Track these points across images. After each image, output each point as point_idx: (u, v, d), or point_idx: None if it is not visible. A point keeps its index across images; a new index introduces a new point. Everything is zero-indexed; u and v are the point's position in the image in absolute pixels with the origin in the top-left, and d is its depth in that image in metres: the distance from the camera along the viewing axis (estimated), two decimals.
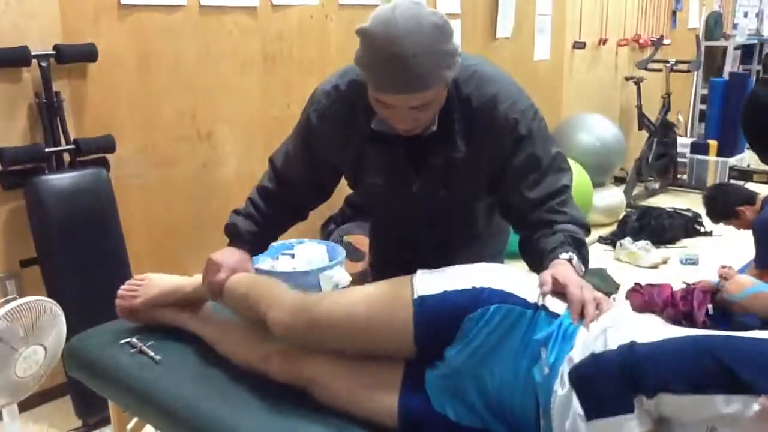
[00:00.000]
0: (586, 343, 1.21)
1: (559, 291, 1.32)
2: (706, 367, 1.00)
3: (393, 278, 1.42)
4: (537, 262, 1.48)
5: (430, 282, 1.35)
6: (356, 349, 1.40)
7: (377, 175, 1.59)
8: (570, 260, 1.41)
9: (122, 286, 1.88)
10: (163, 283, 1.86)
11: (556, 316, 1.28)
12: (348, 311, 1.38)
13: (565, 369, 1.20)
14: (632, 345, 1.11)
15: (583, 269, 1.44)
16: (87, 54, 2.65)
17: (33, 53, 2.50)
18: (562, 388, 1.19)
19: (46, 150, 2.58)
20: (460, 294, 1.31)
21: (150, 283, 1.86)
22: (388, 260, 1.90)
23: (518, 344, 1.27)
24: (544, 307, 1.29)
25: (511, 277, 1.36)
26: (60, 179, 2.56)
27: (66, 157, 2.66)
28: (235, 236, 1.76)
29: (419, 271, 1.40)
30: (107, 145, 2.73)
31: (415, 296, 1.31)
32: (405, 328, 1.32)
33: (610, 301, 1.34)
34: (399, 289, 1.36)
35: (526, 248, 1.55)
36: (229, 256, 1.70)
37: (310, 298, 1.49)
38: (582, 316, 1.26)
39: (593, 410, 1.09)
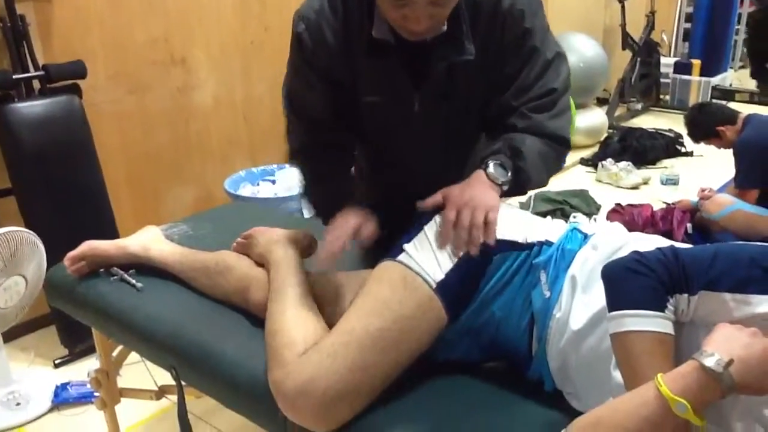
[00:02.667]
0: (587, 260, 1.21)
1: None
2: (748, 267, 1.00)
3: (386, 273, 1.30)
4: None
5: (427, 259, 1.28)
6: (404, 358, 1.27)
7: (375, 93, 1.48)
8: (485, 169, 1.37)
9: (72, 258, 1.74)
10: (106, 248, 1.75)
11: (551, 243, 1.28)
12: (380, 345, 1.22)
13: (566, 289, 1.20)
14: (673, 247, 1.08)
15: (508, 176, 1.37)
16: None
17: None
18: (559, 310, 1.20)
19: (14, 77, 2.49)
20: (467, 260, 1.27)
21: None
22: (381, 191, 1.80)
23: (520, 280, 1.26)
24: (540, 242, 1.28)
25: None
26: (31, 107, 2.49)
27: (36, 84, 2.58)
28: (329, 205, 1.55)
29: (407, 249, 1.31)
30: (78, 70, 2.64)
31: (433, 285, 1.25)
32: (439, 318, 1.26)
33: (490, 232, 1.30)
34: (413, 289, 1.26)
35: None
36: (343, 219, 1.47)
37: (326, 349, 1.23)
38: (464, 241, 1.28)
39: (622, 302, 1.03)
